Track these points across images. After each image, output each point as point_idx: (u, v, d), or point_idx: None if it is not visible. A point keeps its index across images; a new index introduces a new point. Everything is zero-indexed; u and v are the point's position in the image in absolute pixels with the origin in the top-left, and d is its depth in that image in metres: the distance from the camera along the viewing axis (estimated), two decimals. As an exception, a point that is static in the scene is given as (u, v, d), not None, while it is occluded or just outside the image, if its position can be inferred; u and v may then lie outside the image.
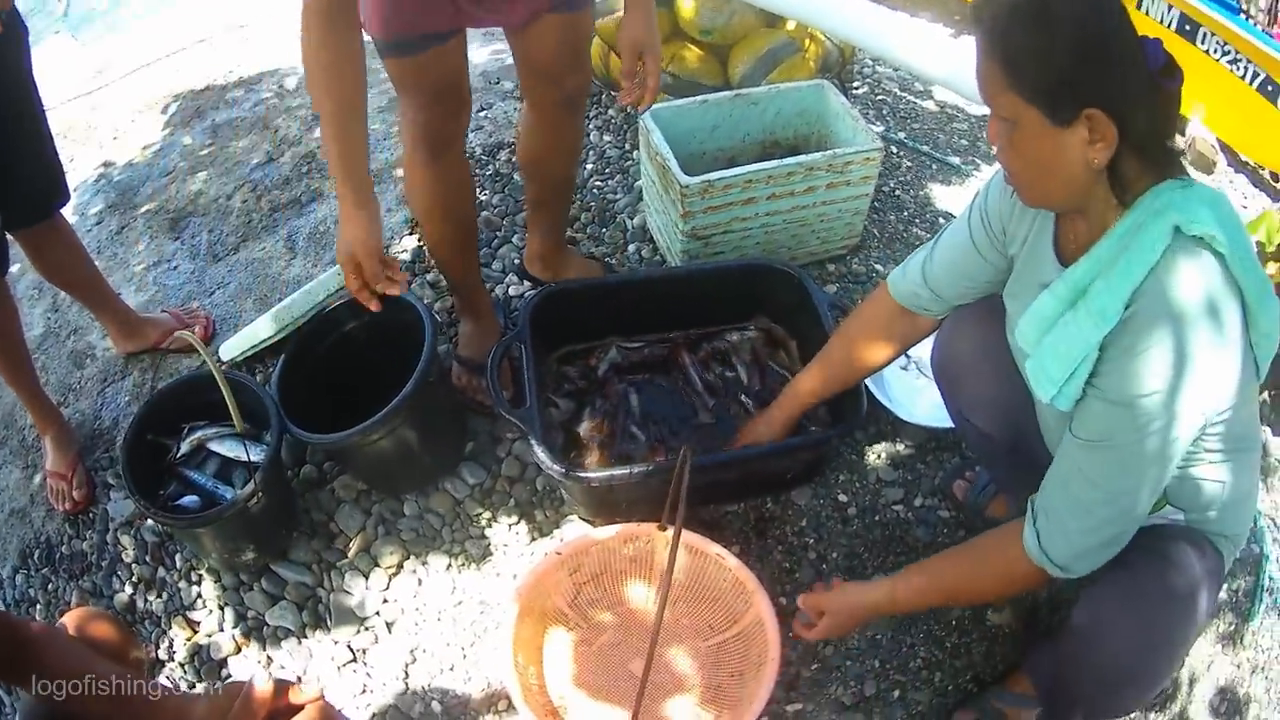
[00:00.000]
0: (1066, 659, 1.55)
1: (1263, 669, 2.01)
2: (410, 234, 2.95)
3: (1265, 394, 2.47)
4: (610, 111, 3.38)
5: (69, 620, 1.46)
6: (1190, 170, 3.07)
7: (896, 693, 1.93)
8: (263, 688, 1.12)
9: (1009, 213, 1.53)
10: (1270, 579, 2.13)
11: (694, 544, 1.90)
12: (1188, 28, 3.14)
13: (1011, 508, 2.04)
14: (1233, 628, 2.05)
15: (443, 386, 2.25)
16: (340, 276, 2.37)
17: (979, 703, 1.86)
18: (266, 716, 1.12)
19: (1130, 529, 1.35)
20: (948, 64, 2.54)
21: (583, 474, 1.87)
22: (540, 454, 1.89)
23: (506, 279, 2.72)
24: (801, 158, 2.40)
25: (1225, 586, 2.10)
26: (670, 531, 1.91)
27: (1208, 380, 1.21)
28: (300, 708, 1.16)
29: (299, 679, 1.96)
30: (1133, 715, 1.92)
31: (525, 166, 2.39)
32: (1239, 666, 2.00)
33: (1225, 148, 3.28)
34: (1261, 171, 3.24)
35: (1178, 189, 1.23)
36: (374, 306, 1.86)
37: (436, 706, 1.93)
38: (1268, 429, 2.41)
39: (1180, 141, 3.31)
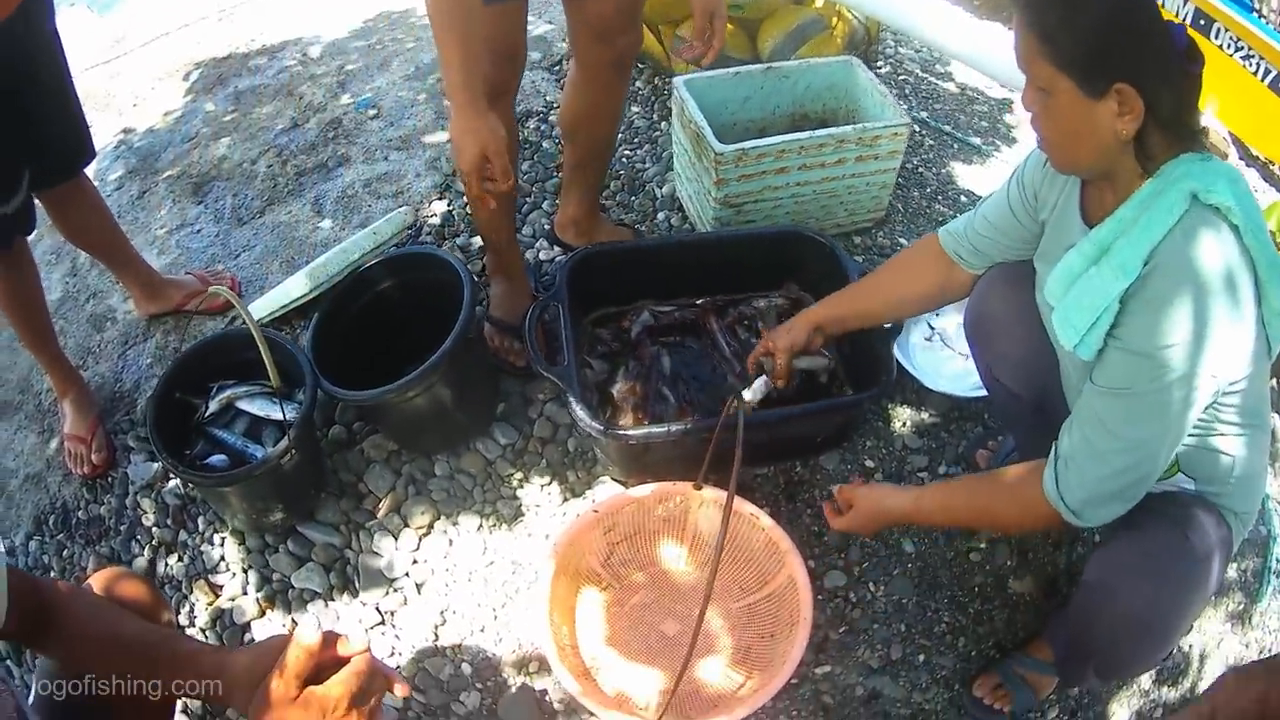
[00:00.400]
0: (1078, 615, 1.60)
1: (1269, 651, 2.04)
2: (440, 199, 2.94)
3: (1274, 379, 2.48)
4: (638, 83, 3.38)
5: (95, 581, 1.41)
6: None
7: (921, 657, 1.96)
8: (310, 638, 1.05)
9: (1041, 181, 1.61)
10: (1277, 560, 2.16)
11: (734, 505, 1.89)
12: (1202, 22, 3.18)
13: None
14: (1241, 607, 2.08)
15: (477, 346, 2.24)
16: (376, 235, 2.38)
17: (1002, 668, 1.90)
18: (315, 667, 1.07)
19: (1143, 483, 1.39)
20: (971, 43, 2.55)
21: (621, 432, 1.87)
22: (579, 412, 1.89)
23: (537, 244, 2.71)
24: (833, 130, 2.41)
25: (1234, 566, 2.13)
26: (705, 491, 1.93)
27: (1222, 343, 1.26)
28: (345, 660, 1.13)
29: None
30: (1147, 688, 1.96)
31: (568, 128, 2.38)
32: (1247, 646, 2.04)
33: (1237, 141, 3.32)
34: (1271, 166, 3.27)
35: (1197, 161, 1.30)
36: (492, 205, 1.90)
37: (467, 668, 1.93)
38: (1276, 414, 2.41)
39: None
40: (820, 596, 2.02)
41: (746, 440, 1.80)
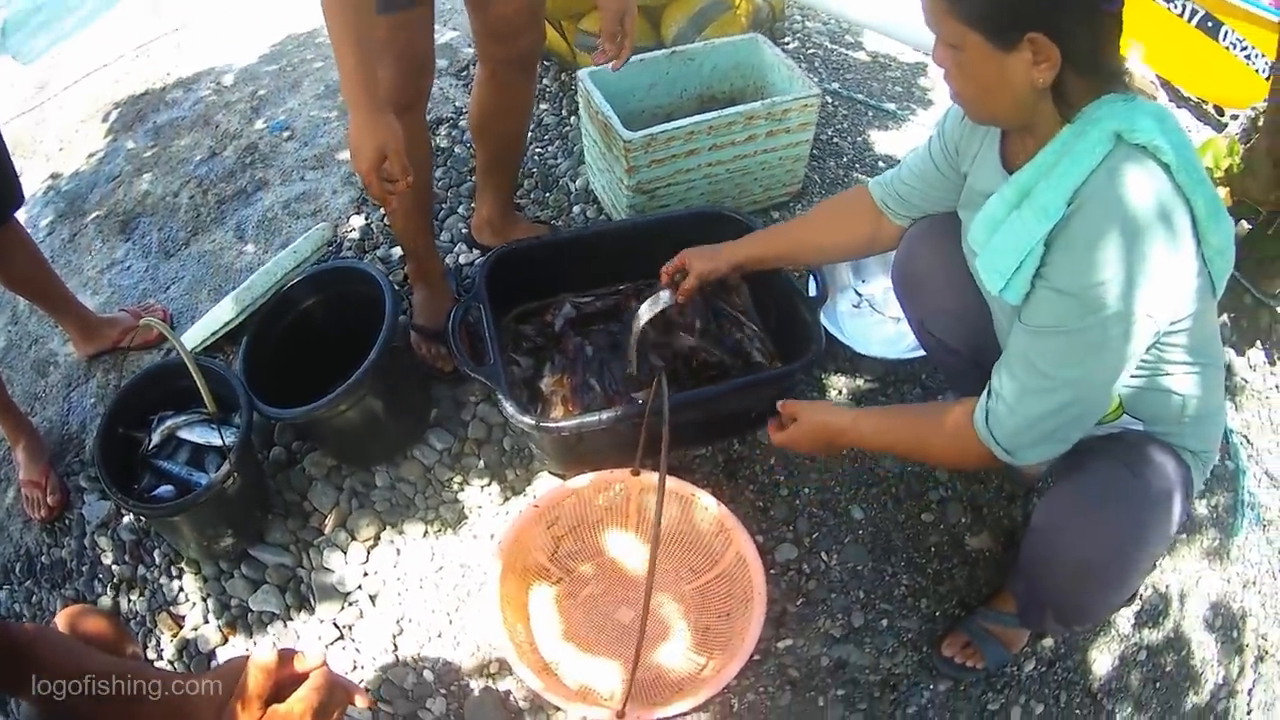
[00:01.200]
0: (1029, 563, 1.61)
1: (1255, 583, 2.05)
2: (357, 214, 2.96)
3: (1225, 315, 2.54)
4: (545, 80, 3.41)
5: (61, 619, 1.43)
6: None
7: (885, 621, 1.98)
8: (266, 658, 1.07)
9: (960, 133, 1.61)
10: (1249, 494, 2.18)
11: (670, 487, 1.92)
12: None
13: None
14: (1217, 543, 2.10)
15: (404, 355, 2.27)
16: (296, 253, 2.39)
17: (968, 625, 1.90)
18: (274, 686, 1.09)
19: (1078, 423, 1.37)
20: (878, 7, 2.59)
21: (552, 424, 1.89)
22: (509, 409, 1.91)
23: (456, 248, 2.74)
24: (741, 107, 2.45)
25: (1204, 502, 2.16)
26: (643, 476, 1.95)
27: (1157, 282, 1.24)
28: (304, 676, 1.15)
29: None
30: (1127, 632, 1.97)
31: (477, 129, 2.41)
32: (1229, 581, 2.05)
33: (1166, 84, 3.34)
34: (1205, 105, 3.29)
35: (1120, 101, 1.28)
36: (394, 204, 1.88)
37: (429, 675, 1.95)
38: (1230, 349, 2.49)
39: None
40: (773, 570, 2.04)
41: (677, 420, 1.83)
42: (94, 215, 3.25)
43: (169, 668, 2.04)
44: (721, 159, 2.51)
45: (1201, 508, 2.15)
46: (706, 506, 1.91)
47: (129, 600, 2.17)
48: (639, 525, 2.04)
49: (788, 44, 3.59)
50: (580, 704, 1.68)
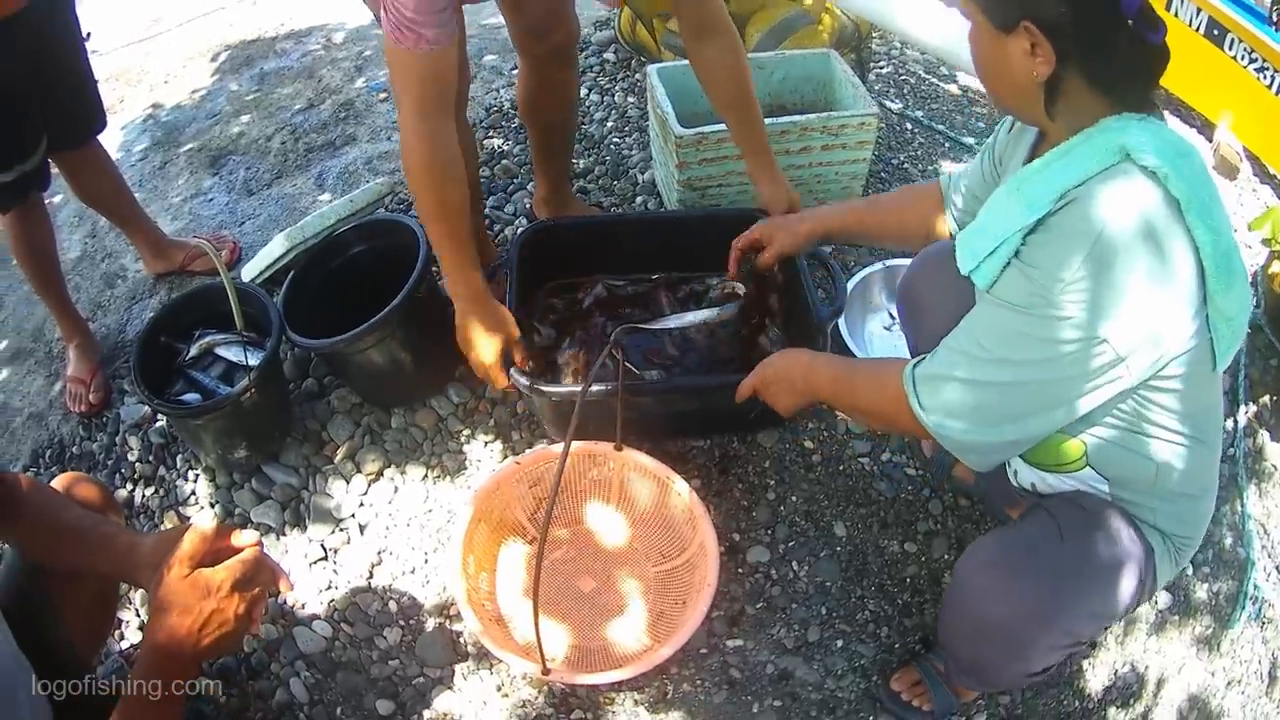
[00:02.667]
0: (944, 615, 1.58)
1: (1240, 682, 1.96)
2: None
3: (1267, 397, 2.46)
4: (637, 75, 3.48)
5: (57, 481, 1.61)
6: (1213, 175, 3.06)
7: (840, 642, 1.96)
8: (206, 526, 1.22)
9: (1005, 144, 1.58)
10: (1255, 587, 2.07)
11: (655, 471, 1.97)
12: (1215, 32, 3.12)
13: (974, 472, 2.05)
14: (1209, 632, 2.01)
15: (435, 308, 2.35)
16: (352, 202, 2.50)
17: (922, 664, 1.85)
18: (209, 553, 1.22)
19: (1003, 418, 1.29)
20: (942, 34, 2.60)
21: (545, 388, 1.94)
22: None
23: (517, 222, 2.84)
24: (795, 117, 2.48)
25: (1205, 587, 2.07)
26: (627, 452, 1.99)
27: (1130, 309, 1.16)
28: (238, 551, 1.26)
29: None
30: (1092, 707, 1.89)
31: (525, 114, 2.52)
32: (1213, 675, 1.96)
33: (1251, 156, 3.24)
34: None
35: (1135, 119, 1.23)
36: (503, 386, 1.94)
37: (393, 606, 2.04)
38: (1265, 433, 2.39)
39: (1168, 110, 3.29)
40: (740, 570, 2.06)
41: (668, 410, 1.88)
42: (188, 147, 3.45)
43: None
44: (774, 167, 2.54)
45: (1201, 592, 2.06)
46: (680, 493, 1.93)
47: (144, 495, 2.31)
48: (620, 501, 2.08)
49: (883, 68, 3.60)
50: (511, 654, 1.71)
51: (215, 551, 1.23)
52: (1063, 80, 1.24)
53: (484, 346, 1.86)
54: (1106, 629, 1.49)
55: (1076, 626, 1.39)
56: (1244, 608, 2.04)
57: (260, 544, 1.29)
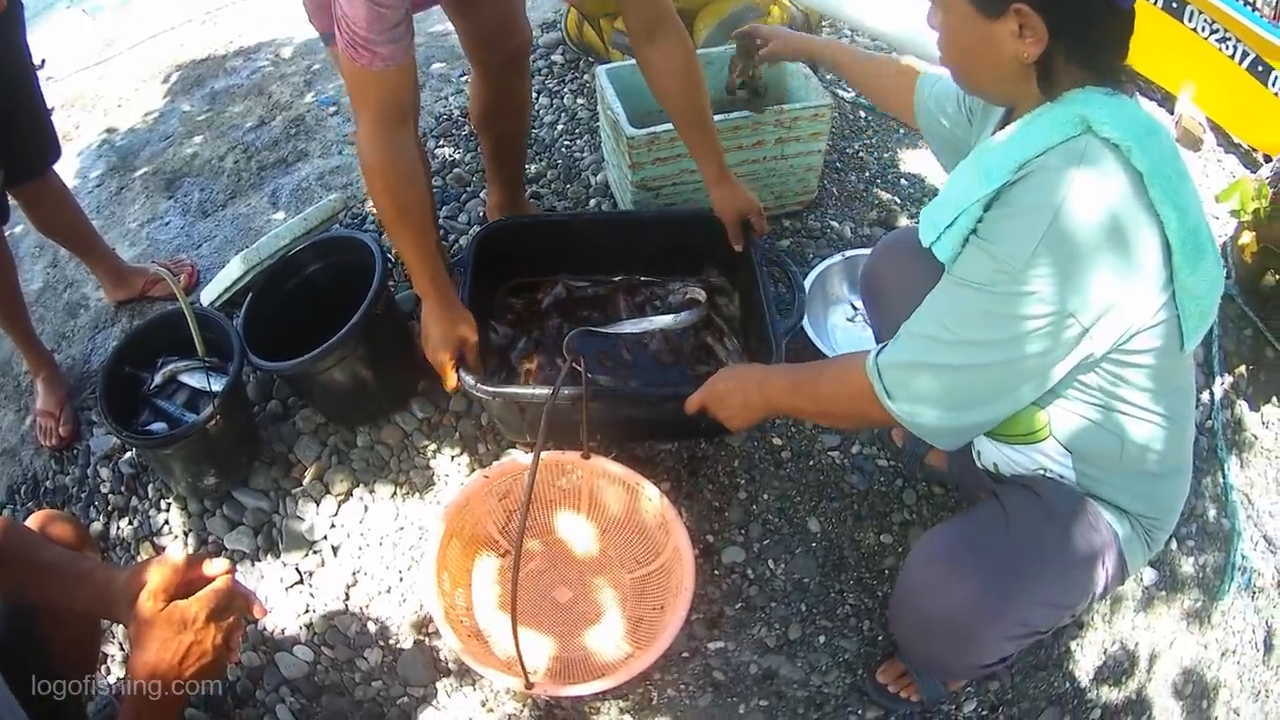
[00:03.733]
0: (892, 605, 1.58)
1: (1234, 652, 1.96)
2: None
3: (1243, 367, 2.48)
4: (586, 76, 3.48)
5: (32, 520, 1.61)
6: (1180, 150, 3.08)
7: (822, 638, 1.96)
8: (175, 558, 1.23)
9: (978, 107, 1.59)
10: (1242, 557, 2.08)
11: (624, 477, 1.98)
12: (1175, 5, 3.14)
13: (947, 456, 2.06)
14: (1199, 605, 2.01)
15: (394, 324, 2.35)
16: (305, 221, 2.50)
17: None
18: (181, 584, 1.22)
19: (963, 399, 1.29)
20: (892, 20, 2.61)
21: (492, 389, 1.93)
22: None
23: (471, 231, 2.82)
24: (745, 112, 2.47)
25: (1191, 560, 2.08)
26: (595, 460, 2.00)
27: (1091, 281, 1.15)
28: (210, 580, 1.26)
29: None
30: (1084, 686, 1.89)
31: (478, 124, 2.51)
32: (1206, 647, 1.96)
33: (1214, 127, 3.26)
34: (1256, 154, 3.20)
35: (1100, 92, 1.22)
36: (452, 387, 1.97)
37: (372, 626, 2.04)
38: (1244, 402, 2.41)
39: (1127, 75, 3.31)
40: (716, 572, 2.06)
41: (620, 415, 1.88)
42: (142, 171, 3.42)
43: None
44: (729, 163, 2.52)
45: (1187, 566, 2.07)
46: (650, 498, 1.94)
47: (118, 527, 2.30)
48: (590, 510, 2.09)
49: (828, 58, 3.60)
50: (493, 669, 1.72)
51: (188, 582, 1.23)
52: (1053, 58, 1.22)
53: (439, 344, 1.90)
54: (1073, 616, 1.48)
55: (1030, 617, 1.38)
56: (1233, 578, 2.05)
57: (232, 571, 1.29)
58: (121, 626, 2.09)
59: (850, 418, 1.50)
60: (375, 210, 1.82)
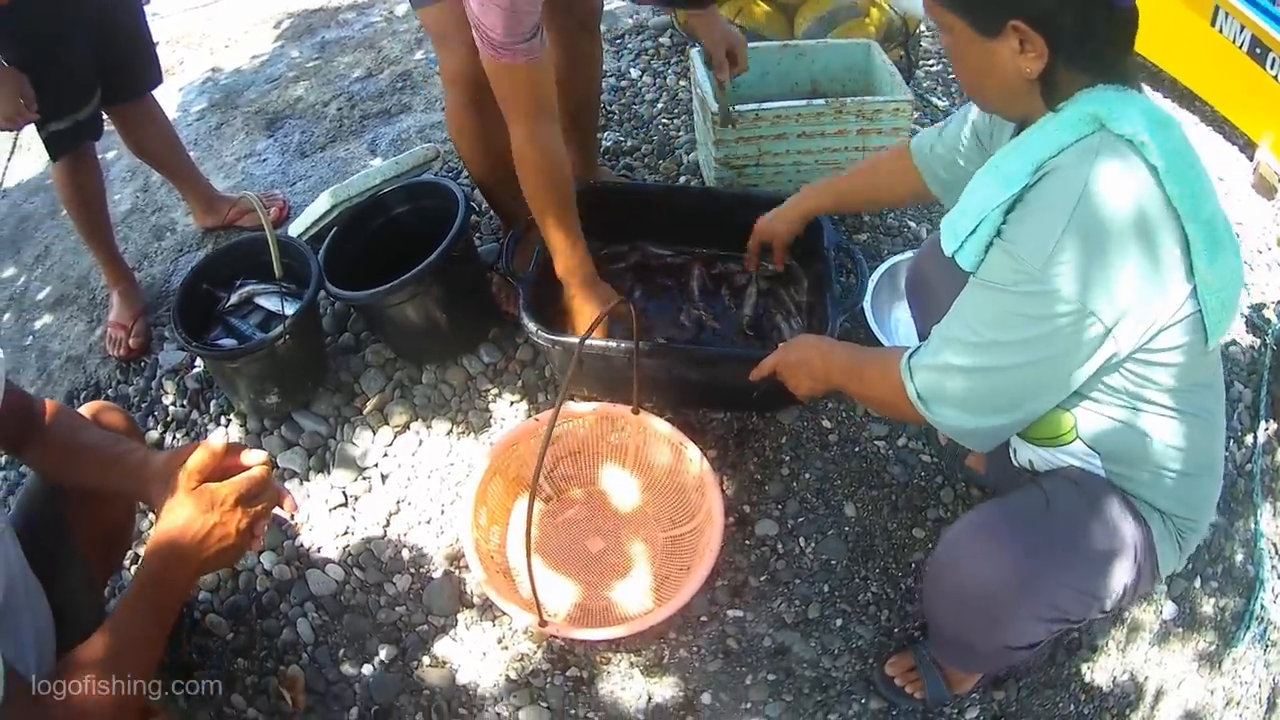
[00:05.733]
0: (927, 578, 1.57)
1: (1238, 704, 1.91)
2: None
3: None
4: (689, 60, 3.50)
5: (86, 408, 1.67)
6: (1251, 195, 3.02)
7: (840, 621, 1.96)
8: (216, 443, 1.27)
9: (986, 126, 1.60)
10: (1262, 608, 2.02)
11: (669, 436, 2.01)
12: (1258, 51, 3.07)
13: (985, 459, 2.03)
14: (1213, 648, 1.96)
15: (470, 269, 2.41)
16: (398, 164, 2.57)
17: (917, 650, 1.84)
18: (218, 469, 1.26)
19: (991, 401, 1.30)
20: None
21: (549, 336, 2.00)
22: (521, 315, 2.06)
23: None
24: (830, 100, 2.49)
25: (1212, 602, 2.03)
26: (644, 416, 2.04)
27: (1115, 279, 1.16)
28: (246, 469, 1.31)
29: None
30: (1087, 712, 1.86)
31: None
32: (1213, 693, 1.91)
33: None
34: None
35: (1110, 90, 1.22)
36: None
37: (406, 554, 2.09)
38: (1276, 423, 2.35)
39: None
40: (748, 542, 2.07)
41: (675, 377, 1.94)
42: (244, 109, 3.55)
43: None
44: (810, 149, 2.56)
45: (1207, 606, 2.02)
46: (691, 459, 1.97)
47: (174, 438, 2.39)
48: (635, 466, 2.12)
49: (931, 65, 3.58)
50: (512, 604, 1.75)
51: (224, 468, 1.27)
52: (1055, 70, 1.24)
53: (585, 319, 2.02)
54: (1103, 612, 1.47)
55: (1061, 599, 1.37)
56: (1249, 627, 1.99)
57: (269, 464, 1.33)
58: (152, 516, 2.16)
59: (888, 409, 1.52)
60: (527, 198, 1.95)
